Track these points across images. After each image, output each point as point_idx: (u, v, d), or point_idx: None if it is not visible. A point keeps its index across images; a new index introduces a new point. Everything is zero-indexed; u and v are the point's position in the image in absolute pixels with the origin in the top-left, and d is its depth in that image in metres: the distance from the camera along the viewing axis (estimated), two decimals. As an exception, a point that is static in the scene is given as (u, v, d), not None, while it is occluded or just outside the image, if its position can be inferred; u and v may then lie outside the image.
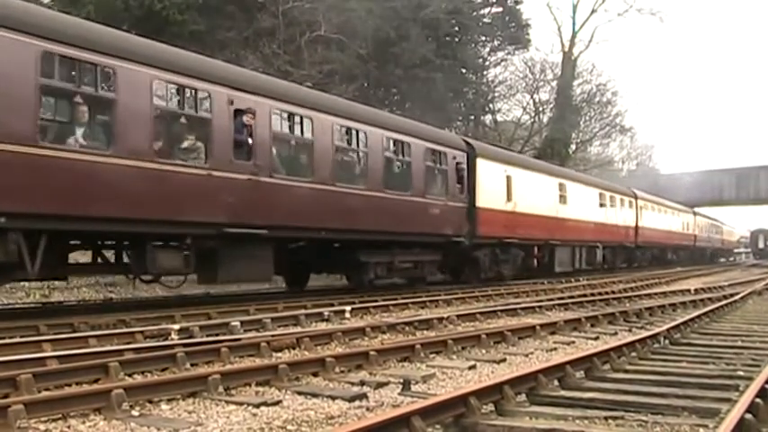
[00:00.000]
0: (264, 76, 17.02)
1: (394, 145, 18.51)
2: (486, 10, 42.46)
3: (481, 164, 22.53)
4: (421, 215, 19.16)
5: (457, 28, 39.14)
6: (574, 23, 50.01)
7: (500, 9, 42.08)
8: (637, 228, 38.61)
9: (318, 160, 15.65)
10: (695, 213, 55.89)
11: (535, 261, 27.35)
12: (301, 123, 15.38)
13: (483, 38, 42.74)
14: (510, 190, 24.22)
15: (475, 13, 41.38)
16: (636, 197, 39.24)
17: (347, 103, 18.59)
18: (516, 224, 24.29)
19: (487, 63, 43.93)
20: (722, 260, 70.07)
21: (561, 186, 28.87)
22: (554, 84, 49.15)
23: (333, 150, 16.16)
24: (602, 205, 33.66)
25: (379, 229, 17.46)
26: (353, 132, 17.12)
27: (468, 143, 22.95)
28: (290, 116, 15.07)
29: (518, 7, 42.75)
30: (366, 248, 17.78)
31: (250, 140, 13.81)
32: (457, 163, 21.18)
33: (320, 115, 15.72)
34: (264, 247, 14.45)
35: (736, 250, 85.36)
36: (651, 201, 43.03)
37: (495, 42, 43.51)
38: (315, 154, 15.60)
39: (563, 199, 28.76)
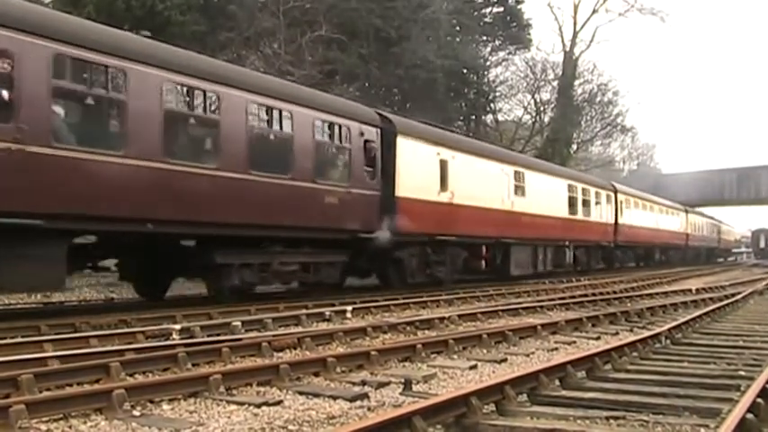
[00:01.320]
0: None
1: (266, 113, 14.56)
2: (488, 10, 42.45)
3: (404, 144, 18.61)
4: (309, 205, 15.38)
5: (458, 28, 39.14)
6: (575, 23, 49.99)
7: (501, 9, 42.08)
8: (616, 225, 34.92)
9: (137, 127, 11.75)
10: (687, 211, 52.34)
11: (483, 262, 23.70)
12: (106, 72, 11.44)
13: (484, 38, 42.73)
14: (446, 177, 20.26)
15: (476, 13, 41.37)
16: (615, 191, 35.59)
17: (186, 54, 13.74)
18: (454, 218, 20.58)
19: (488, 63, 43.89)
20: (720, 260, 67.04)
21: (518, 175, 24.86)
22: (555, 83, 49.11)
23: (161, 114, 12.23)
24: (572, 199, 29.76)
25: (241, 222, 13.85)
26: (198, 93, 13.11)
27: (384, 117, 18.82)
28: (93, 64, 11.30)
29: (519, 7, 42.76)
30: (226, 247, 14.13)
31: (6, 94, 10.19)
32: (366, 141, 17.28)
33: (139, 67, 11.89)
34: (47, 244, 10.68)
35: (735, 250, 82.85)
36: (634, 196, 39.37)
37: (497, 42, 43.50)
38: (130, 117, 11.66)
39: (520, 190, 24.79)
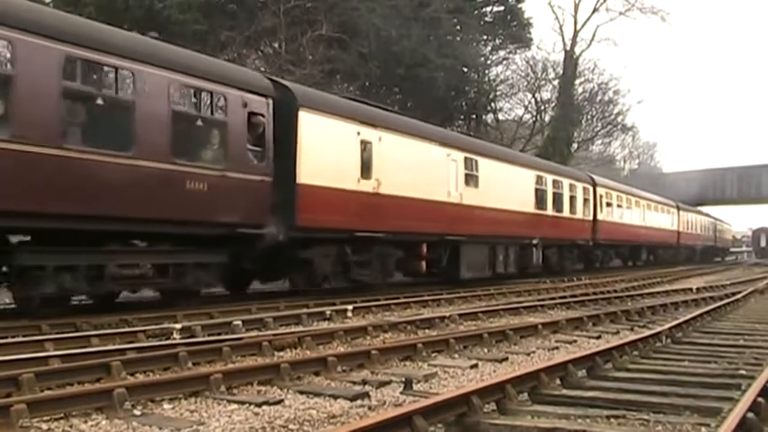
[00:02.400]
0: None
1: (90, 70, 11.34)
2: (488, 9, 42.41)
3: (309, 120, 15.33)
4: (162, 191, 12.23)
5: (458, 27, 39.09)
6: (575, 22, 49.94)
7: (502, 8, 42.03)
8: (595, 222, 31.67)
9: None
10: (679, 207, 49.15)
11: (423, 263, 20.28)
12: None
13: (485, 37, 42.69)
14: (369, 162, 17.08)
15: (476, 12, 41.33)
16: (594, 184, 32.30)
17: None
18: (381, 212, 17.35)
19: (489, 62, 43.88)
20: (717, 260, 63.72)
21: (469, 163, 21.50)
22: (556, 82, 49.10)
23: None
24: (540, 192, 26.58)
25: (57, 213, 10.75)
26: None
27: (280, 86, 15.56)
28: None
29: (520, 6, 42.70)
30: (37, 244, 11.37)
31: None
32: (251, 114, 14.10)
33: None
34: None
35: (733, 249, 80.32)
36: (617, 190, 36.24)
37: (497, 41, 43.46)
38: None
39: (472, 180, 21.54)
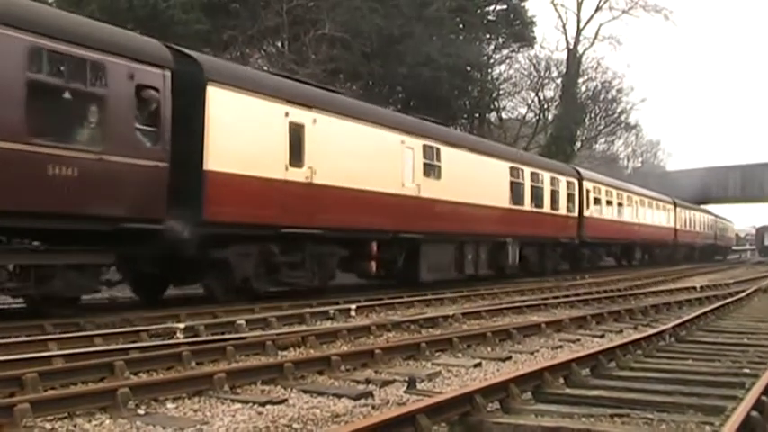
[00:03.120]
0: None
1: None
2: (491, 8, 42.30)
3: (220, 97, 13.25)
4: (15, 177, 10.15)
5: (461, 26, 39.05)
6: (578, 20, 49.88)
7: (504, 7, 41.93)
8: (581, 218, 29.38)
9: None
10: (676, 204, 46.72)
11: (373, 264, 18.06)
12: None
13: (487, 35, 42.61)
14: (300, 147, 14.82)
15: (479, 11, 41.25)
16: (580, 178, 30.05)
17: None
18: (316, 205, 15.19)
19: (492, 61, 43.80)
20: (718, 258, 62.30)
21: (429, 151, 19.19)
22: (559, 81, 49.04)
23: None
24: (516, 185, 24.26)
25: None
26: None
27: (183, 56, 13.34)
28: None
29: (522, 5, 42.62)
30: None
31: None
32: (140, 87, 11.88)
33: None
34: None
35: (736, 248, 79.03)
36: (606, 184, 33.64)
37: (500, 40, 43.36)
38: None
39: (433, 171, 19.32)
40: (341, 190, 15.91)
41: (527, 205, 25.03)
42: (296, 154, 14.77)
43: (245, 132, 13.62)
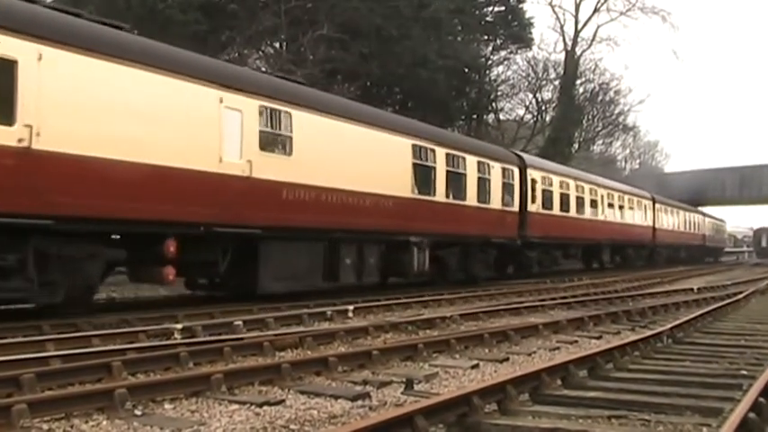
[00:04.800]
0: None
1: None
2: (489, 9, 42.42)
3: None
4: None
5: (459, 27, 39.11)
6: (576, 22, 49.97)
7: (502, 8, 42.03)
8: (524, 214, 24.35)
9: None
10: (655, 200, 41.80)
11: (169, 270, 12.59)
12: None
13: (485, 37, 42.71)
14: (9, 96, 10.09)
15: (477, 12, 41.34)
16: (523, 165, 24.81)
17: None
18: (43, 182, 10.42)
19: (490, 62, 43.89)
20: (708, 261, 57.70)
21: (271, 116, 14.30)
22: (557, 83, 49.18)
23: None
24: (421, 169, 19.08)
25: None
26: None
27: None
28: None
29: (521, 6, 42.75)
30: None
31: None
32: None
33: None
34: None
35: (729, 249, 76.14)
36: (559, 174, 28.21)
37: (498, 41, 43.46)
38: None
39: (277, 143, 14.72)
40: (95, 162, 11.07)
41: (440, 195, 19.70)
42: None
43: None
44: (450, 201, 20.38)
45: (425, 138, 19.58)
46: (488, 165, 22.34)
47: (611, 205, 33.68)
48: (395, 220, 17.83)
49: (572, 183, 28.97)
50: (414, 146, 18.77)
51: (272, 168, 14.26)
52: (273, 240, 14.58)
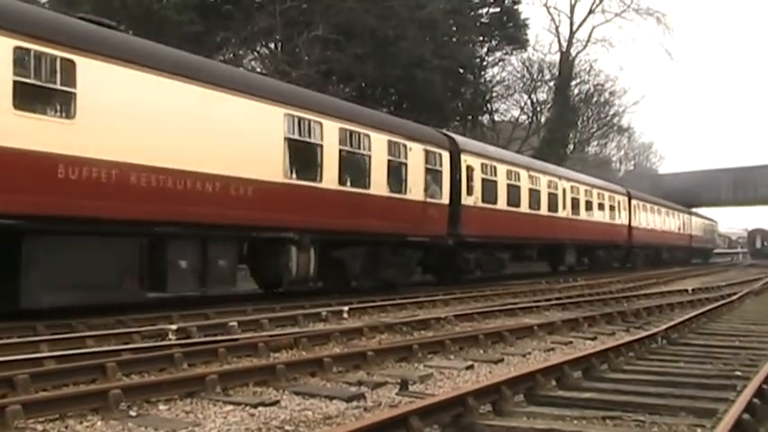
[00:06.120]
0: None
1: None
2: (484, 10, 42.49)
3: None
4: None
5: (455, 28, 39.17)
6: (571, 23, 50.11)
7: (498, 9, 42.11)
8: (456, 207, 20.42)
9: None
10: (631, 196, 37.91)
11: None
12: None
13: (481, 38, 42.76)
14: None
15: (473, 13, 41.42)
16: (457, 150, 20.86)
17: None
18: None
19: (485, 63, 43.95)
20: (695, 262, 55.27)
21: (33, 61, 10.49)
22: (552, 84, 49.25)
23: None
24: (300, 146, 15.06)
25: None
26: None
27: None
28: None
29: (516, 7, 42.84)
30: None
31: None
32: None
33: None
34: None
35: (721, 251, 74.33)
36: (505, 162, 23.99)
37: (493, 42, 43.53)
38: None
39: (50, 102, 10.94)
40: None
41: (330, 181, 15.79)
42: None
43: None
44: (347, 188, 16.28)
45: (306, 107, 15.35)
46: (404, 146, 18.26)
47: (576, 200, 29.86)
48: (259, 211, 13.94)
49: (524, 173, 25.01)
50: (288, 116, 14.70)
51: (38, 135, 10.46)
52: (46, 235, 10.87)
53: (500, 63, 45.76)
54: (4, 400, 5.76)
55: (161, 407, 6.17)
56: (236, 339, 9.46)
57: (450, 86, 37.80)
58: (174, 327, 10.37)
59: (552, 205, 27.31)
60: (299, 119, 15.05)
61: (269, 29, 29.38)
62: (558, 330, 11.58)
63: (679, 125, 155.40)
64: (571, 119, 49.70)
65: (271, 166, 14.39)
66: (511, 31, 42.48)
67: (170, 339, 9.65)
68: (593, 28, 51.20)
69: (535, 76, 48.60)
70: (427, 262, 20.84)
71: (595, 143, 62.81)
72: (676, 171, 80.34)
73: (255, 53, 32.83)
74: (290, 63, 28.70)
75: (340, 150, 16.07)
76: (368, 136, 16.99)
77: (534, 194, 25.75)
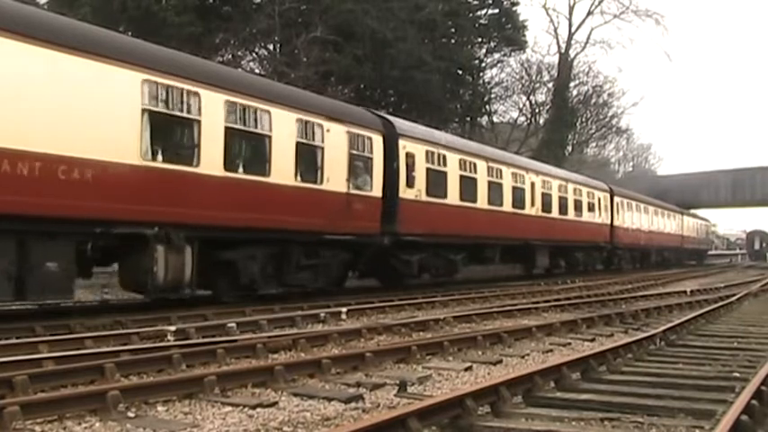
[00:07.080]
0: None
1: None
2: (483, 11, 42.51)
3: None
4: None
5: (453, 29, 39.19)
6: (570, 25, 50.12)
7: (496, 10, 42.11)
8: (393, 201, 17.65)
9: None
10: (613, 192, 35.02)
11: None
12: None
13: (479, 39, 42.78)
14: None
15: (471, 15, 41.43)
16: (393, 134, 17.89)
17: None
18: None
19: (484, 64, 43.96)
20: (690, 263, 53.53)
21: None
22: (550, 85, 49.29)
23: None
24: (167, 122, 12.43)
25: None
26: None
27: None
28: None
29: (514, 9, 42.84)
30: None
31: None
32: None
33: None
34: None
35: (713, 252, 73.37)
36: (454, 149, 20.75)
37: (492, 44, 43.53)
38: None
39: None
40: None
41: (212, 167, 12.94)
42: None
43: None
44: (238, 175, 13.57)
45: (176, 74, 12.30)
46: (320, 126, 15.34)
47: (547, 196, 26.81)
48: (104, 200, 11.10)
49: (481, 164, 21.83)
50: (148, 83, 11.75)
51: None
52: None
53: (499, 64, 45.82)
54: (3, 400, 5.76)
55: (159, 408, 6.16)
56: (235, 340, 9.46)
57: (449, 88, 37.83)
58: (172, 328, 10.36)
59: (518, 201, 24.20)
60: (167, 88, 12.01)
61: (268, 30, 29.40)
62: (556, 332, 11.58)
63: (678, 127, 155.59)
64: (570, 120, 49.72)
65: (121, 144, 11.35)
66: (509, 33, 42.49)
67: (168, 340, 9.64)
68: (592, 29, 51.24)
69: (534, 78, 48.65)
70: (360, 265, 18.23)
71: (594, 145, 62.96)
72: (675, 172, 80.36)
73: (254, 54, 32.84)
74: (288, 64, 28.70)
75: (226, 128, 13.15)
76: (267, 112, 14.00)
77: (495, 188, 22.64)
